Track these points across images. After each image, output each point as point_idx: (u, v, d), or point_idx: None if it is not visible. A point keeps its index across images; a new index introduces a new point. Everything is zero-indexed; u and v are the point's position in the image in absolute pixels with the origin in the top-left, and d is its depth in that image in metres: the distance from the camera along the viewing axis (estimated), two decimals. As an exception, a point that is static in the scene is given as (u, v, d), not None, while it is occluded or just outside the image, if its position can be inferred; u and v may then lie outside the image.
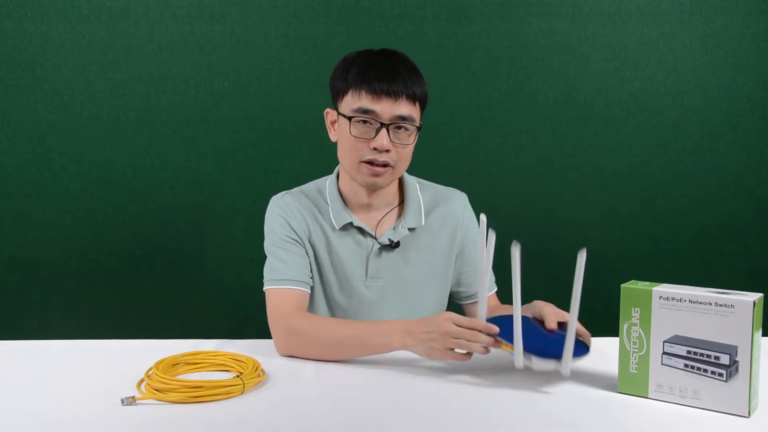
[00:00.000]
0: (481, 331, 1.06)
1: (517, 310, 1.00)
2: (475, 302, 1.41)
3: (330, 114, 1.33)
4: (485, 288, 1.07)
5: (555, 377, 1.06)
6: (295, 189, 1.40)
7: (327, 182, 1.38)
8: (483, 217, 1.04)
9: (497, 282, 1.44)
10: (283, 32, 2.02)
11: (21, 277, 2.05)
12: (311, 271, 1.33)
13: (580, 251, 0.95)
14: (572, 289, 0.97)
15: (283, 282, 1.28)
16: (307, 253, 1.33)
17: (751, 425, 0.89)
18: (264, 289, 1.30)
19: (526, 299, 1.10)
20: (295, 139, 2.04)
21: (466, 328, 1.06)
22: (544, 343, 1.06)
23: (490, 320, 1.10)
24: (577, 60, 2.05)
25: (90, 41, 1.99)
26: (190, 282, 2.07)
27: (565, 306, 1.10)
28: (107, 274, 2.06)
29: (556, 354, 1.01)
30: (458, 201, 1.42)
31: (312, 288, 1.34)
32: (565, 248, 2.08)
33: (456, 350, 1.07)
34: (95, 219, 2.04)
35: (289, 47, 2.02)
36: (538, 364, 1.01)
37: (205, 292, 2.09)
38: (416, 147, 1.40)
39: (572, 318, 0.99)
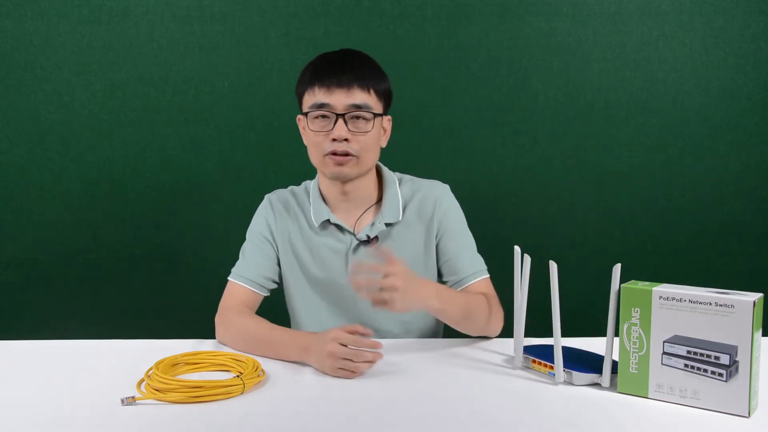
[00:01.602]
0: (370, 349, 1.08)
1: (556, 329, 1.03)
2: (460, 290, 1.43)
3: (301, 120, 1.37)
4: (521, 322, 1.09)
5: (553, 378, 1.06)
6: (289, 187, 1.46)
7: (312, 183, 1.43)
8: (517, 248, 1.08)
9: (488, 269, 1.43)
10: (283, 32, 2.01)
11: (21, 277, 2.04)
12: (283, 271, 1.39)
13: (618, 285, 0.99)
14: (608, 308, 1.00)
15: (239, 278, 1.37)
16: (277, 254, 1.38)
17: (751, 425, 0.89)
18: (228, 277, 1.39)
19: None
20: (295, 139, 2.01)
21: (351, 346, 1.07)
22: (582, 360, 1.09)
23: (528, 347, 1.14)
24: (577, 60, 2.04)
25: (90, 41, 1.99)
26: (190, 282, 2.07)
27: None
28: (107, 274, 2.05)
29: (595, 369, 1.04)
30: (433, 190, 1.41)
31: (291, 285, 1.39)
32: (564, 248, 2.09)
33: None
34: (95, 219, 2.04)
35: (289, 47, 2.02)
36: (579, 378, 1.04)
37: (205, 292, 2.07)
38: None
39: (609, 335, 1.01)
